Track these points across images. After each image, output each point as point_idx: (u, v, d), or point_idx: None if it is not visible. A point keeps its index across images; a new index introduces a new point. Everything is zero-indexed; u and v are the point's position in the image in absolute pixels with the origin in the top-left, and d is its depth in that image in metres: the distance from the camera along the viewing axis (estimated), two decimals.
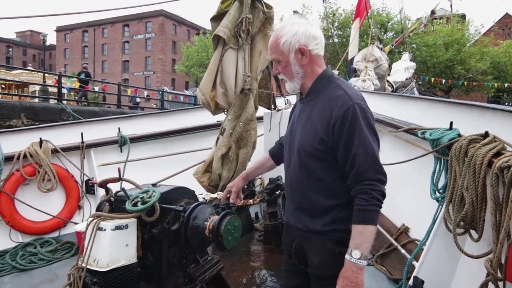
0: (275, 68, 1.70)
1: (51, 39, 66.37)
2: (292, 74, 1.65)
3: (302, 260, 1.75)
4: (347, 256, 1.48)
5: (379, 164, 1.53)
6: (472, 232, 2.15)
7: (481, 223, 2.05)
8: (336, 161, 1.56)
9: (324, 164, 1.58)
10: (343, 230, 1.56)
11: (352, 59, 9.07)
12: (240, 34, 3.48)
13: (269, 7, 3.57)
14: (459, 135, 2.49)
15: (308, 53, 1.62)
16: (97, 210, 2.43)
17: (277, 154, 2.08)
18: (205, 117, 4.77)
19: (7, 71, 19.43)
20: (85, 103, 16.00)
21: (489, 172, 1.96)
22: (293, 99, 4.68)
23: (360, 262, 1.45)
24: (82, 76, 17.05)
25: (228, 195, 2.19)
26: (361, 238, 1.47)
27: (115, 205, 2.34)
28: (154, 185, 2.45)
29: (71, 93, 17.69)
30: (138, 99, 22.99)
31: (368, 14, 10.84)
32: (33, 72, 19.30)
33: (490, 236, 2.05)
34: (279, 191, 3.51)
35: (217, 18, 3.62)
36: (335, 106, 1.53)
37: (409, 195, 3.22)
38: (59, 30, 65.40)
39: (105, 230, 2.06)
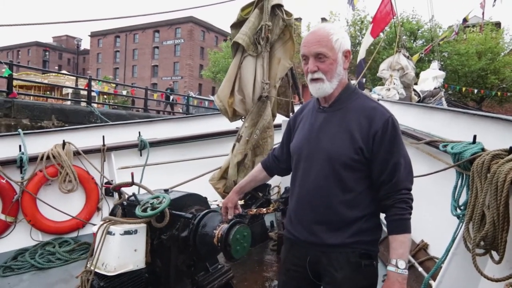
0: (313, 64, 1.58)
1: (85, 44, 69.04)
2: (334, 74, 1.59)
3: (317, 276, 1.66)
4: (392, 268, 1.48)
5: (413, 174, 1.59)
6: (493, 253, 2.03)
7: (502, 244, 1.92)
8: (367, 172, 1.56)
9: (355, 174, 1.56)
10: (367, 241, 1.58)
11: (361, 60, 8.78)
12: (259, 41, 3.47)
13: (289, 14, 3.54)
14: (483, 150, 2.36)
15: (349, 59, 1.64)
16: (111, 213, 2.46)
17: (270, 166, 2.03)
18: (223, 123, 4.78)
19: (42, 75, 20.33)
20: (115, 107, 16.45)
21: None
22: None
23: (405, 272, 1.48)
24: (168, 91, 22.24)
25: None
26: (404, 247, 1.50)
27: (127, 209, 2.36)
28: (166, 191, 2.45)
29: (101, 96, 18.27)
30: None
31: (394, 22, 10.61)
32: (61, 75, 20.06)
33: None
34: None
35: (237, 25, 3.63)
36: (374, 116, 1.55)
37: (430, 210, 3.08)
38: (93, 35, 67.89)
39: (114, 234, 2.08)
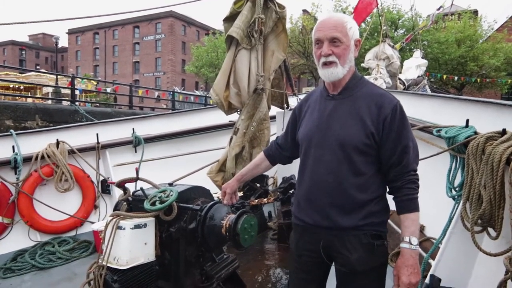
0: (327, 47, 1.61)
1: (63, 42, 67.46)
2: (346, 59, 1.64)
3: (329, 260, 1.73)
4: (405, 245, 1.58)
5: (419, 157, 1.69)
6: (490, 230, 2.14)
7: (499, 221, 2.03)
8: (376, 156, 1.63)
9: (366, 158, 1.62)
10: (378, 223, 1.65)
11: None
12: (253, 34, 3.50)
13: (281, 7, 3.58)
14: (476, 133, 2.47)
15: (359, 48, 1.71)
16: (115, 209, 2.47)
17: (273, 155, 2.07)
18: (218, 117, 4.80)
19: (18, 74, 19.79)
20: (97, 104, 16.21)
21: (508, 169, 1.95)
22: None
23: (418, 247, 1.58)
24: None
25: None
26: (415, 225, 1.60)
27: (133, 204, 2.38)
28: (170, 184, 2.48)
29: (82, 95, 17.96)
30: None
31: (379, 12, 10.74)
32: (43, 75, 19.59)
33: (508, 233, 2.04)
34: (293, 190, 3.52)
35: (230, 19, 3.64)
36: (382, 103, 1.61)
37: (424, 193, 3.16)
38: (70, 32, 66.30)
39: (124, 229, 2.10)
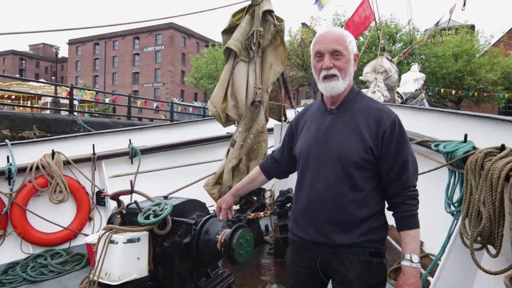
0: (329, 60, 1.59)
1: (63, 52, 67.75)
2: (347, 73, 1.63)
3: (326, 278, 1.69)
4: (406, 263, 1.54)
5: (418, 172, 1.67)
6: (490, 247, 2.10)
7: (499, 238, 1.99)
8: (375, 171, 1.61)
9: (365, 174, 1.59)
10: (377, 240, 1.62)
11: None
12: (251, 46, 3.50)
13: (280, 20, 3.59)
14: (474, 148, 2.45)
15: (357, 62, 1.70)
16: (108, 222, 2.43)
17: (269, 169, 2.04)
18: (215, 129, 4.78)
19: (20, 83, 19.81)
20: (96, 115, 16.19)
21: (507, 186, 1.92)
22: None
23: (419, 265, 1.55)
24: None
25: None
26: (415, 242, 1.57)
27: (127, 217, 2.34)
28: (165, 197, 2.45)
29: (81, 105, 17.99)
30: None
31: (377, 26, 10.84)
32: (45, 85, 19.64)
33: (508, 251, 2.00)
34: (290, 203, 3.48)
35: (228, 31, 3.65)
36: (381, 117, 1.60)
37: (423, 208, 3.12)
38: (71, 43, 66.76)
39: (117, 243, 2.06)
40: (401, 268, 1.57)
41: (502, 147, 2.18)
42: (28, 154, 3.98)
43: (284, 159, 1.97)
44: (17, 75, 56.56)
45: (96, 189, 4.30)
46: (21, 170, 3.80)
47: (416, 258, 1.54)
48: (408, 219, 1.58)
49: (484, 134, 2.66)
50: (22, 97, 18.43)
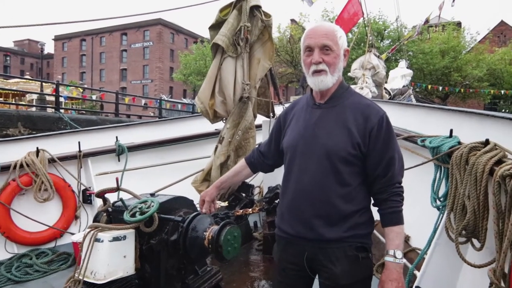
0: (318, 55, 1.59)
1: (49, 48, 66.63)
2: (336, 68, 1.63)
3: (312, 273, 1.69)
4: (390, 259, 1.56)
5: (404, 168, 1.68)
6: (474, 241, 2.13)
7: (483, 232, 2.02)
8: (361, 167, 1.61)
9: (352, 169, 1.59)
10: (363, 235, 1.63)
11: None
12: (239, 42, 3.48)
13: (267, 15, 3.57)
14: (459, 143, 2.47)
15: (347, 58, 1.70)
16: (95, 220, 2.40)
17: (255, 162, 2.02)
18: (203, 125, 4.75)
19: (4, 80, 19.42)
20: (83, 112, 15.98)
21: (491, 180, 1.94)
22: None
23: (402, 261, 1.56)
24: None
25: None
26: (399, 238, 1.58)
27: (113, 215, 2.31)
28: (152, 194, 2.42)
29: (67, 102, 17.71)
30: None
31: (365, 22, 10.90)
32: (30, 81, 19.27)
33: (492, 245, 2.03)
34: (278, 200, 3.48)
35: (215, 27, 3.62)
36: (369, 113, 1.60)
37: (409, 203, 3.17)
38: (57, 39, 65.60)
39: (102, 241, 2.03)
40: (385, 263, 1.58)
41: (486, 142, 2.20)
42: (12, 152, 3.90)
43: (271, 153, 1.96)
44: (1, 72, 55.46)
45: (82, 187, 4.24)
46: (5, 168, 3.73)
47: (399, 254, 1.55)
48: (393, 216, 1.59)
49: (469, 129, 2.69)
50: (5, 94, 18.04)
